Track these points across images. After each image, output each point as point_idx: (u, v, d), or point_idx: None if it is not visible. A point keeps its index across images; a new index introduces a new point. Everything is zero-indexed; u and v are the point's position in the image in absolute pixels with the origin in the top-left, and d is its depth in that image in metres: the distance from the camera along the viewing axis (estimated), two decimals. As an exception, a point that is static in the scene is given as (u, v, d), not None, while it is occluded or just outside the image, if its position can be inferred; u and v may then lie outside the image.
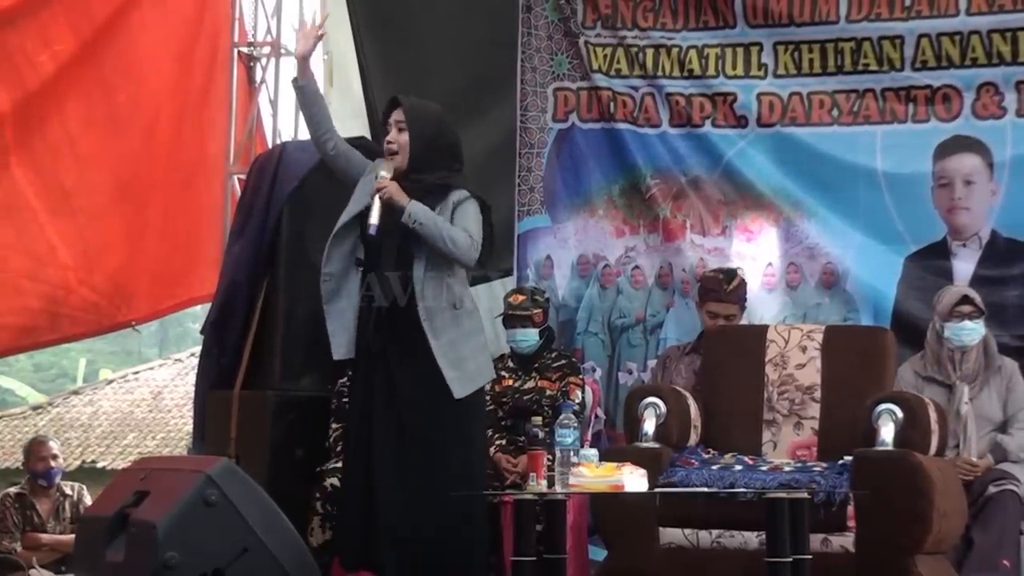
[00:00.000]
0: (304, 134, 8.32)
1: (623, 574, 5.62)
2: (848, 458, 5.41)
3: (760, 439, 5.92)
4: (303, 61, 5.52)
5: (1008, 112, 6.76)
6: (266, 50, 8.40)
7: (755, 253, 7.14)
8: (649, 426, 5.73)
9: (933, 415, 5.51)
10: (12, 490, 8.24)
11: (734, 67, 7.16)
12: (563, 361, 6.56)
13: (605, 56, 7.35)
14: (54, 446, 8.31)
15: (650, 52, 7.28)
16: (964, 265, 6.78)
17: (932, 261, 6.84)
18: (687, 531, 5.49)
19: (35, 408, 21.62)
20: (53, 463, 8.16)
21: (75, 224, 8.02)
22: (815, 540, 5.05)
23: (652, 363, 7.05)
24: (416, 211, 5.28)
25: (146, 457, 15.03)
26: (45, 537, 8.00)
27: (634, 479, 4.86)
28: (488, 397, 6.01)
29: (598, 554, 6.12)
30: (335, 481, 6.22)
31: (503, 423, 6.42)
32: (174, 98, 8.28)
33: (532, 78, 7.44)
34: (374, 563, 5.31)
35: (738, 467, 5.58)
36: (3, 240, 7.87)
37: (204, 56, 8.35)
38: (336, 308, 5.40)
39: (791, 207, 7.07)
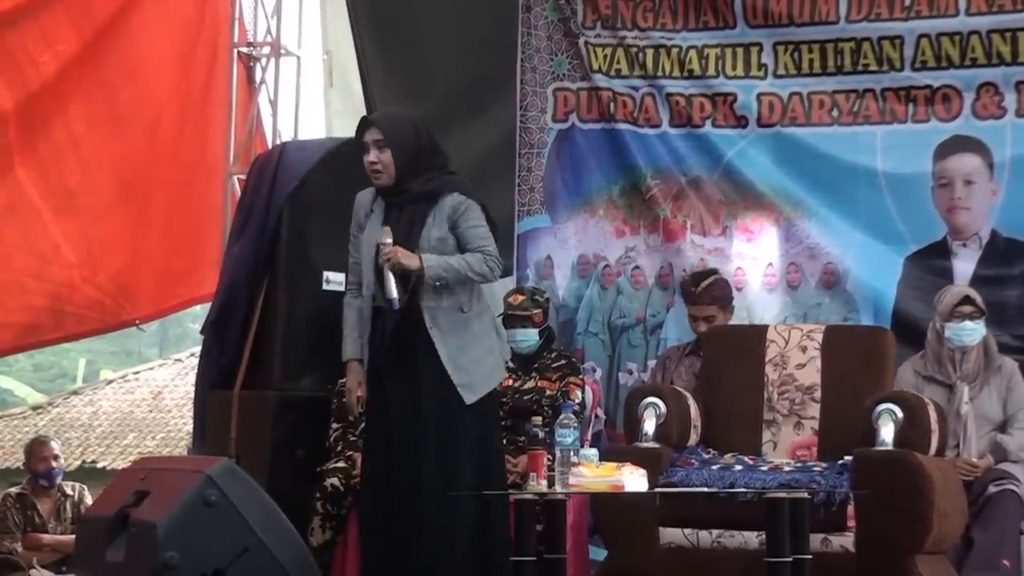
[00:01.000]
0: (304, 134, 8.36)
1: (623, 574, 5.61)
2: (848, 458, 5.41)
3: (760, 439, 5.92)
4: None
5: (1008, 112, 6.76)
6: (266, 50, 8.39)
7: (755, 253, 7.14)
8: (649, 426, 5.72)
9: (933, 415, 5.51)
10: (13, 490, 8.23)
11: (734, 67, 7.16)
12: (563, 361, 6.56)
13: (605, 56, 7.35)
14: (55, 446, 8.31)
15: (650, 52, 7.28)
16: (964, 265, 6.78)
17: (932, 261, 6.84)
18: (687, 531, 5.49)
19: (35, 408, 21.62)
20: (54, 463, 8.16)
21: (79, 223, 8.04)
22: (815, 540, 5.04)
23: (652, 363, 7.04)
24: (434, 271, 5.25)
25: (146, 457, 15.04)
26: (46, 537, 8.00)
27: (634, 479, 4.86)
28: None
29: (598, 554, 6.12)
30: (335, 481, 6.22)
31: (503, 423, 6.42)
32: (176, 98, 8.29)
33: (532, 78, 7.44)
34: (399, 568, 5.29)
35: (738, 467, 5.58)
36: (7, 239, 7.89)
37: (205, 56, 8.35)
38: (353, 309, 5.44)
39: (791, 207, 7.08)
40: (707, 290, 6.51)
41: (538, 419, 6.19)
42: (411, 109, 5.84)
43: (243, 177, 7.69)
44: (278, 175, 6.95)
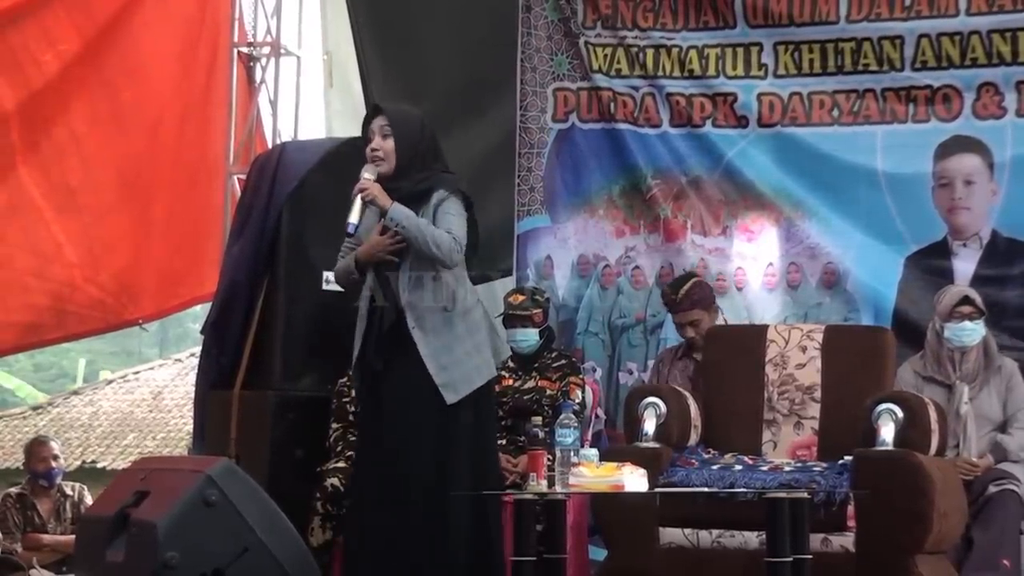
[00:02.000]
0: (304, 134, 8.36)
1: (623, 574, 5.61)
2: (848, 458, 5.40)
3: (760, 439, 5.92)
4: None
5: (1008, 112, 6.76)
6: (266, 50, 8.39)
7: (756, 253, 7.15)
8: (649, 426, 5.72)
9: (933, 415, 5.50)
10: (13, 490, 8.24)
11: (734, 67, 7.16)
12: (563, 361, 6.56)
13: (605, 56, 7.35)
14: (55, 446, 8.31)
15: (650, 52, 7.28)
16: (964, 265, 6.79)
17: (933, 261, 6.84)
18: (687, 531, 5.49)
19: (35, 408, 21.61)
20: (54, 463, 8.16)
21: (81, 223, 8.05)
22: (815, 540, 5.04)
23: (652, 363, 7.04)
24: (398, 215, 5.24)
25: (146, 457, 15.03)
26: (46, 538, 8.00)
27: (634, 479, 4.86)
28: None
29: (598, 554, 6.12)
30: (335, 481, 6.22)
31: (503, 423, 6.42)
32: (177, 98, 8.29)
33: (532, 78, 7.44)
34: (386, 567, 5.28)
35: (738, 467, 5.58)
36: (9, 239, 7.89)
37: (206, 56, 8.36)
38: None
39: (792, 207, 7.08)
40: (687, 295, 6.51)
41: (538, 419, 6.20)
42: (409, 104, 5.82)
43: (243, 177, 7.69)
44: (278, 175, 6.94)
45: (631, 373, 7.25)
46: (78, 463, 18.71)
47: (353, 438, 6.35)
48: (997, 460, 6.05)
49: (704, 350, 6.38)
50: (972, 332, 6.16)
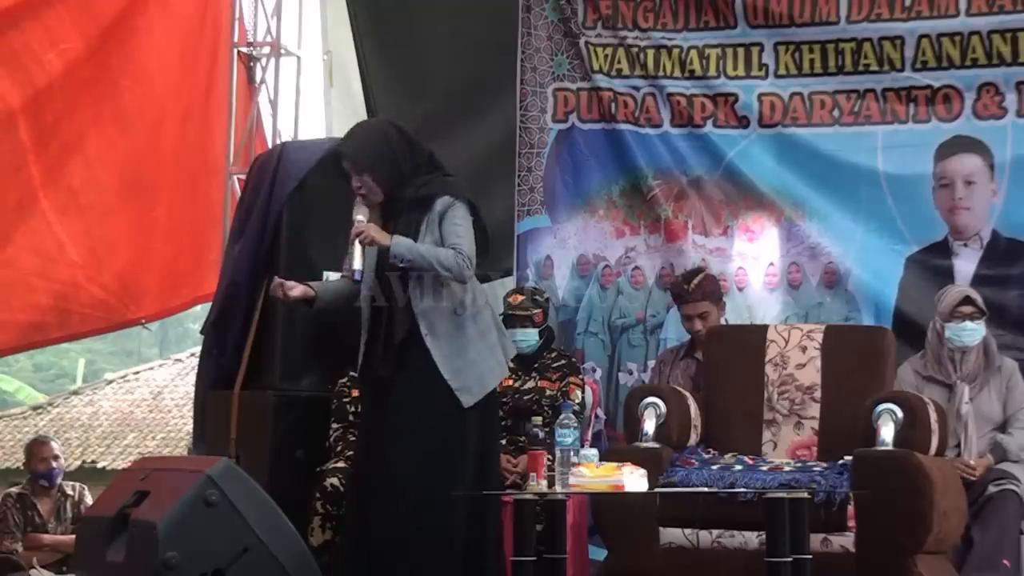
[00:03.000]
0: (304, 134, 8.36)
1: (623, 574, 5.62)
2: (848, 458, 5.41)
3: (760, 439, 5.92)
4: None
5: (1009, 112, 6.77)
6: (266, 50, 8.39)
7: (757, 253, 7.15)
8: (649, 426, 5.72)
9: (933, 415, 5.51)
10: (13, 490, 8.23)
11: (735, 67, 7.17)
12: (563, 361, 6.56)
13: (606, 56, 7.35)
14: (55, 446, 8.31)
15: (651, 52, 7.29)
16: (965, 265, 6.79)
17: (933, 261, 6.85)
18: (687, 531, 5.49)
19: (35, 408, 21.62)
20: (54, 463, 8.16)
21: (83, 222, 8.05)
22: (815, 540, 5.04)
23: (652, 363, 7.04)
24: (400, 250, 5.22)
25: (146, 457, 15.05)
26: (46, 537, 8.00)
27: (634, 479, 4.86)
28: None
29: (598, 554, 6.12)
30: (335, 481, 6.22)
31: (503, 423, 6.41)
32: (179, 98, 8.29)
33: (532, 78, 7.44)
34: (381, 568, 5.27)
35: (738, 467, 5.58)
36: (15, 239, 7.89)
37: (207, 56, 8.36)
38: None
39: (792, 207, 7.08)
40: (699, 286, 6.51)
41: (538, 419, 6.20)
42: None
43: (243, 177, 7.69)
44: (278, 175, 6.94)
45: (631, 373, 7.25)
46: (78, 463, 18.73)
47: (353, 438, 6.35)
48: (997, 460, 6.05)
49: (704, 350, 6.38)
50: (973, 332, 6.16)
